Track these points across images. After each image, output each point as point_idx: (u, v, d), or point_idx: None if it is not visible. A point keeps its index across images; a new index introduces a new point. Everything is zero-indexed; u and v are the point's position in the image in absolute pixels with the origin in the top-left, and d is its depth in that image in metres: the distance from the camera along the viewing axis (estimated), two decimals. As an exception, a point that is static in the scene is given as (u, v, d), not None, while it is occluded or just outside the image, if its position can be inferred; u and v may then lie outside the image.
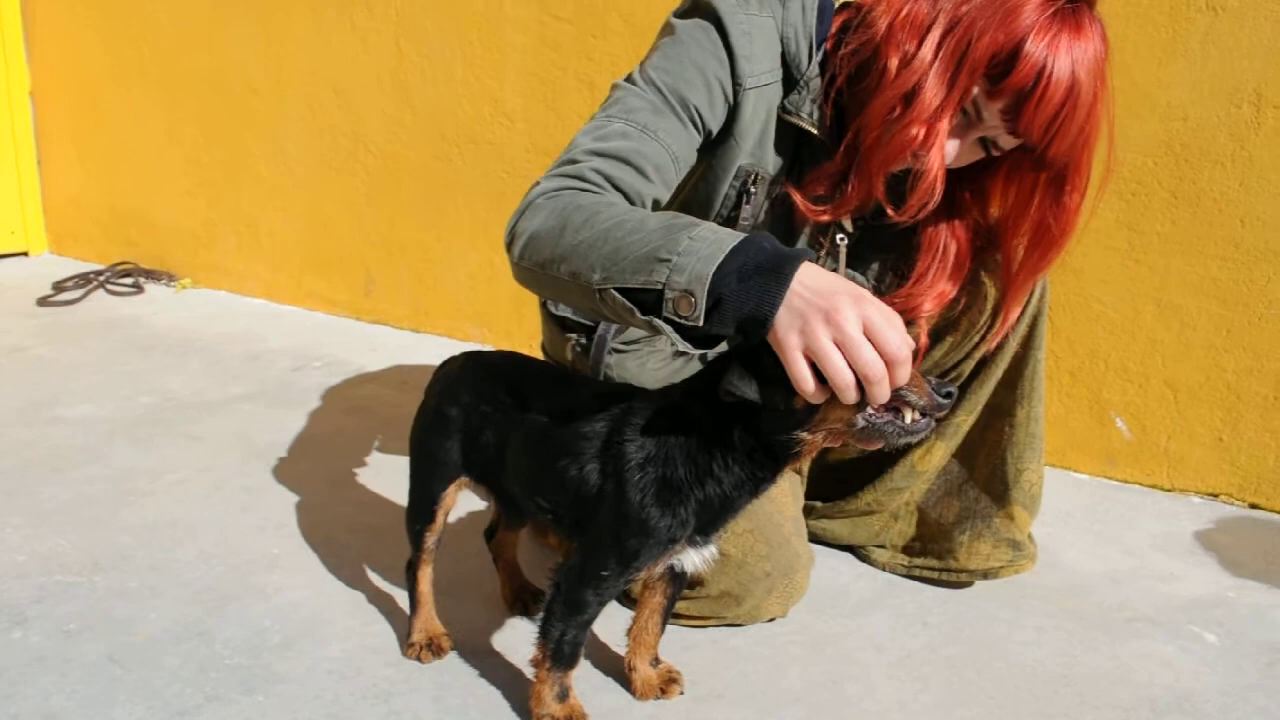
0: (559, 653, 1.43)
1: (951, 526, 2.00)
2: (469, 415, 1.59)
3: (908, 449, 2.00)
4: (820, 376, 1.17)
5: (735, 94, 1.61)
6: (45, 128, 4.84)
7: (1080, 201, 1.63)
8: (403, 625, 1.74)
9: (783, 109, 1.64)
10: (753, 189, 1.68)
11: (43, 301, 4.08)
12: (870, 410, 1.20)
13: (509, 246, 1.49)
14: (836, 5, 1.65)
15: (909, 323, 1.77)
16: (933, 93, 1.45)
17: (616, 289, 1.27)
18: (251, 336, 3.69)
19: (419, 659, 1.67)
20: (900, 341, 1.15)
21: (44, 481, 2.37)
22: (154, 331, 3.74)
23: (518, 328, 3.54)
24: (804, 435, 1.24)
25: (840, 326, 1.13)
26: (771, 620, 1.83)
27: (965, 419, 1.97)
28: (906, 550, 2.05)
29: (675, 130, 1.57)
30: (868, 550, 2.09)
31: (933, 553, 2.02)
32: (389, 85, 3.61)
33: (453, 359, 1.70)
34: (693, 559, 1.41)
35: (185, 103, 4.26)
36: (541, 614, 1.45)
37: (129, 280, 4.39)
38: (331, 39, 3.73)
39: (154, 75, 4.34)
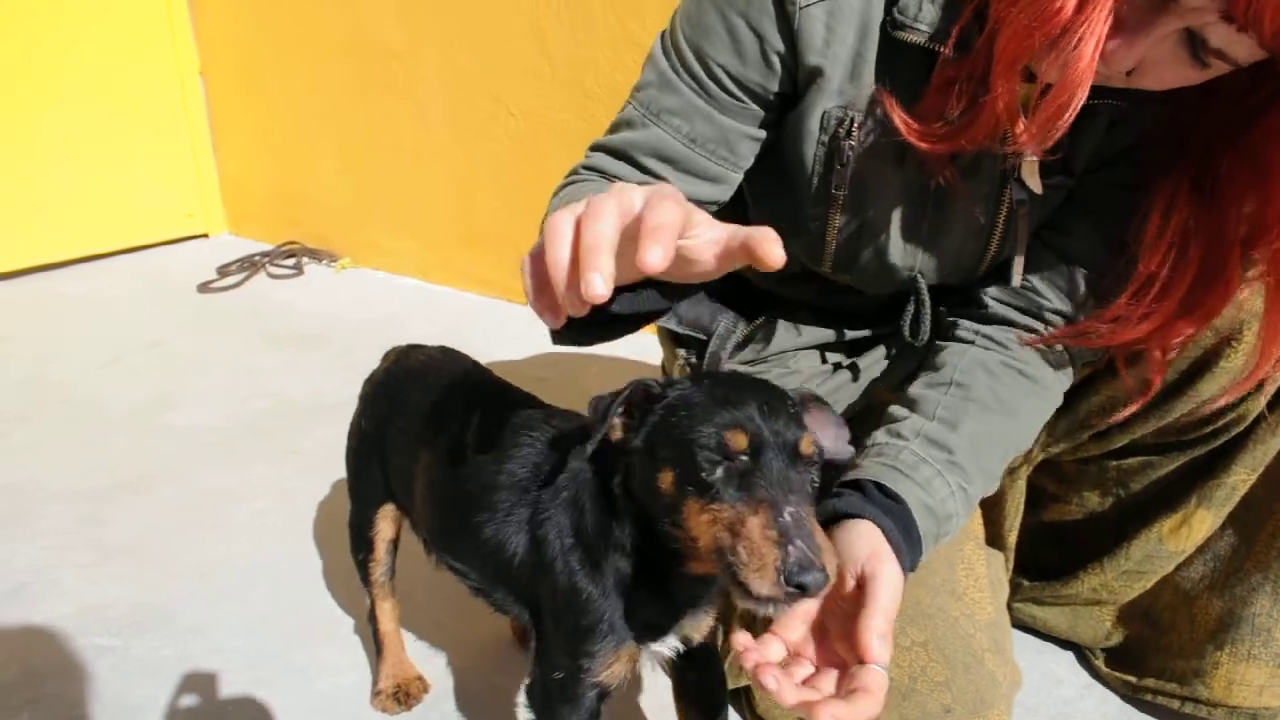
0: None
1: (1206, 637, 1.35)
2: (385, 430, 1.28)
3: (1148, 517, 1.37)
4: None
5: (789, 21, 1.07)
6: (217, 107, 4.76)
7: None
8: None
9: (889, 22, 1.05)
10: (848, 142, 1.11)
11: (203, 288, 3.97)
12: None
13: None
14: None
15: (1133, 361, 1.13)
16: None
17: None
18: (394, 323, 3.39)
19: (384, 710, 1.45)
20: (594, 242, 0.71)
21: (123, 506, 2.12)
22: (298, 319, 3.51)
23: (674, 307, 3.02)
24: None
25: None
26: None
27: (1245, 478, 1.30)
28: (1132, 662, 1.42)
29: (690, 107, 1.14)
30: (1092, 653, 1.47)
31: (1172, 673, 1.38)
32: (524, 33, 3.17)
33: (386, 354, 1.39)
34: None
35: (330, 71, 4.01)
36: None
37: (291, 262, 4.24)
38: (466, -13, 3.33)
39: (302, 45, 4.11)
